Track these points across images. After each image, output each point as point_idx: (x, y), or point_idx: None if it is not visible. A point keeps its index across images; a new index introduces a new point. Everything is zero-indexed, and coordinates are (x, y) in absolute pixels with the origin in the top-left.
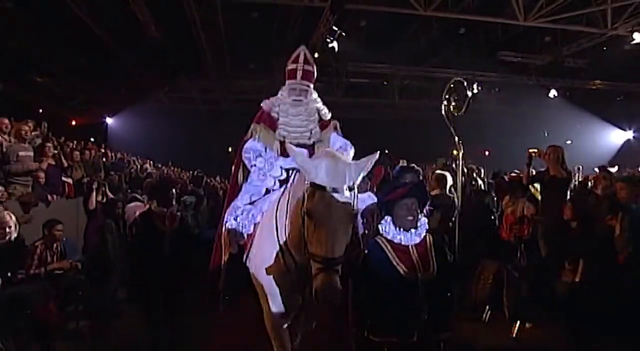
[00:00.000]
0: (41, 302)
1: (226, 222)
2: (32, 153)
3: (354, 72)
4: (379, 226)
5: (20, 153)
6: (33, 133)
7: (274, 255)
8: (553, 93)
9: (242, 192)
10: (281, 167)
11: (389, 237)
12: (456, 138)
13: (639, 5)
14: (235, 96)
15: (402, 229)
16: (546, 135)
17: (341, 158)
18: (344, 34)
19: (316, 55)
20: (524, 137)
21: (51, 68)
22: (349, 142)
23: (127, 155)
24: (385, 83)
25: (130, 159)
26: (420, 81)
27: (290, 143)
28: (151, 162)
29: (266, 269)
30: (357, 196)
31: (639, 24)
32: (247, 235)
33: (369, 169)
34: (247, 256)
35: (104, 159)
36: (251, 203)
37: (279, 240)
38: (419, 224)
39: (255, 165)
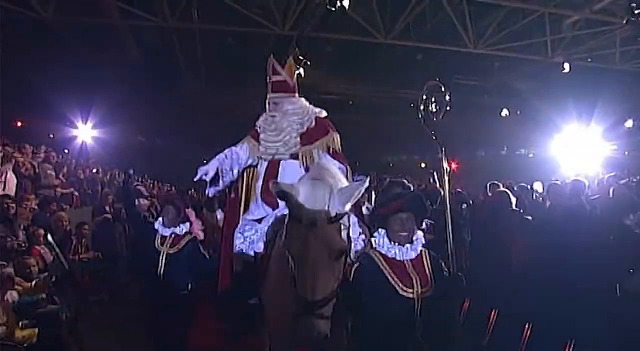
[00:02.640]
0: (81, 277)
1: (234, 238)
2: (54, 173)
3: (323, 92)
4: (372, 238)
5: (47, 172)
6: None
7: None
8: (505, 112)
9: (252, 207)
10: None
11: (382, 251)
12: (441, 148)
13: (573, 37)
14: (210, 111)
15: (396, 243)
16: (505, 149)
17: (324, 182)
18: (308, 62)
19: None
20: (486, 151)
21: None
22: (343, 167)
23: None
24: (350, 102)
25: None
26: (384, 100)
27: (268, 159)
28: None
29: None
30: (347, 226)
31: (572, 53)
32: (256, 253)
33: (358, 197)
34: (261, 282)
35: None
36: (259, 220)
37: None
38: (414, 238)
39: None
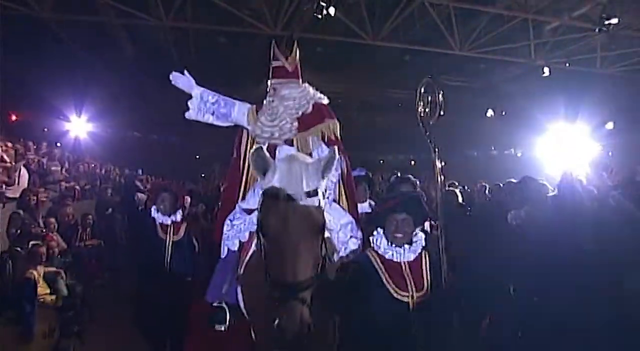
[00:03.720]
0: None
1: (224, 225)
2: (59, 168)
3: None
4: (370, 238)
5: (52, 168)
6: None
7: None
8: (490, 112)
9: (248, 196)
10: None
11: (379, 251)
12: (434, 148)
13: (555, 42)
14: None
15: (394, 244)
16: (493, 148)
17: (299, 158)
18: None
19: None
20: (474, 150)
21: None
22: (339, 158)
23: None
24: (339, 101)
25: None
26: (373, 98)
27: (262, 142)
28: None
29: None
30: (324, 201)
31: (554, 58)
32: (240, 242)
33: (333, 168)
34: (241, 270)
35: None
36: (251, 211)
37: None
38: (414, 240)
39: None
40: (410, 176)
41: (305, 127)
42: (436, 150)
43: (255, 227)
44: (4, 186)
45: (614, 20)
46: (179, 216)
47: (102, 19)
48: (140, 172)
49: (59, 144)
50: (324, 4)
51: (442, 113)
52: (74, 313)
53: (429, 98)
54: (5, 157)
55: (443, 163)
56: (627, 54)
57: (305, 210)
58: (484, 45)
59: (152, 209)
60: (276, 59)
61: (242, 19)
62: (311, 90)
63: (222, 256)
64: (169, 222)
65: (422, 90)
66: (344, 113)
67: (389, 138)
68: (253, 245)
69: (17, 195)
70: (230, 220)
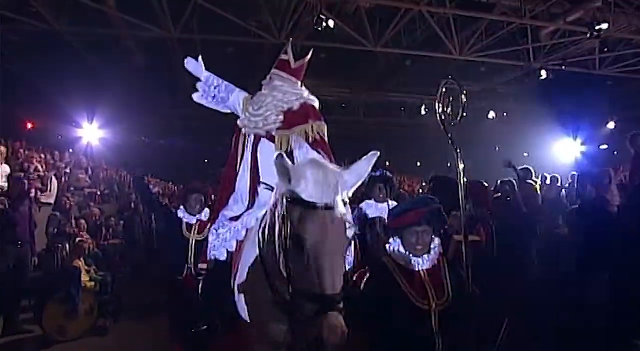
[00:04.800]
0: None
1: (209, 234)
2: (83, 175)
3: (316, 95)
4: (387, 246)
5: (79, 176)
6: None
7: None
8: (492, 114)
9: (231, 201)
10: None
11: (397, 260)
12: (456, 150)
13: (553, 44)
14: (210, 113)
15: (412, 253)
16: (497, 149)
17: (327, 165)
18: None
19: None
20: (477, 151)
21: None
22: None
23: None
24: (343, 105)
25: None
26: (375, 102)
27: (249, 131)
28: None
29: (238, 287)
30: (349, 211)
31: (552, 60)
32: (228, 252)
33: (365, 176)
34: (233, 280)
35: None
36: (237, 217)
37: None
38: (431, 247)
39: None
40: (386, 171)
41: (288, 126)
42: (458, 151)
43: (265, 235)
44: (39, 192)
45: (604, 25)
46: (203, 216)
47: (113, 32)
48: (149, 175)
49: (71, 150)
50: (323, 17)
51: (464, 114)
52: (108, 297)
53: (450, 99)
54: (39, 166)
55: (463, 165)
56: (626, 55)
57: (341, 219)
58: (483, 49)
59: (180, 210)
60: (285, 53)
61: (247, 29)
62: (305, 90)
63: (210, 267)
64: (193, 222)
65: (443, 91)
66: (350, 117)
67: (394, 141)
68: (251, 254)
69: (50, 201)
70: (216, 229)
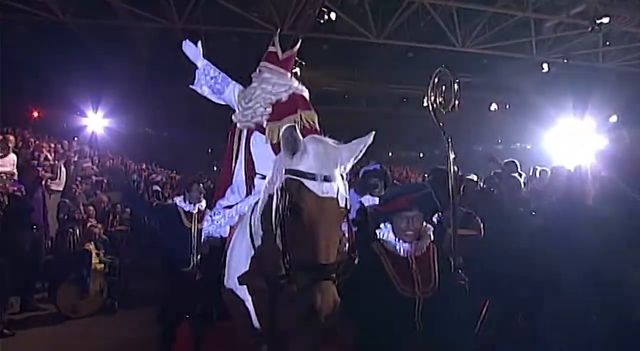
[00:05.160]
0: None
1: (204, 222)
2: (90, 164)
3: (320, 86)
4: (377, 231)
5: (84, 165)
6: None
7: (249, 261)
8: (494, 106)
9: (228, 191)
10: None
11: (387, 246)
12: (447, 139)
13: (557, 38)
14: (213, 104)
15: (402, 240)
16: (499, 141)
17: (327, 140)
18: (303, 63)
19: None
20: (479, 143)
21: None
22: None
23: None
24: (346, 96)
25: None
26: (378, 93)
27: (241, 126)
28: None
29: (239, 278)
30: (347, 188)
31: (555, 53)
32: (221, 237)
33: (361, 154)
34: (224, 267)
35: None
36: (232, 206)
37: (253, 244)
38: (422, 234)
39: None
40: (380, 165)
41: (277, 117)
42: (449, 140)
43: (264, 211)
44: (49, 180)
45: (605, 19)
46: (201, 205)
47: (119, 23)
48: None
49: (76, 138)
50: (325, 10)
51: (457, 102)
52: (116, 279)
53: (443, 89)
54: (49, 155)
55: (454, 156)
56: (629, 49)
57: (338, 191)
58: (486, 42)
59: (179, 199)
60: (273, 45)
61: (251, 20)
62: (294, 81)
63: (205, 252)
64: (194, 211)
65: (436, 81)
66: (353, 107)
67: (396, 132)
68: (241, 240)
69: (59, 188)
70: (211, 216)
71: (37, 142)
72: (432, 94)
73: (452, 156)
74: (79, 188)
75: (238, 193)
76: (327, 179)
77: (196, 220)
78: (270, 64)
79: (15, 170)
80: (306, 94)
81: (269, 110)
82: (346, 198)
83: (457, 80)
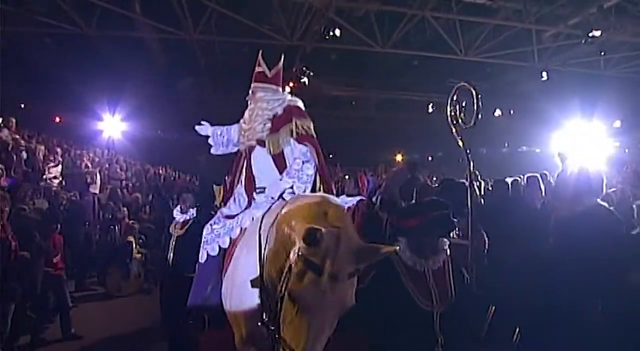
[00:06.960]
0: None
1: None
2: (119, 170)
3: (328, 93)
4: (394, 244)
5: (118, 171)
6: None
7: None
8: (498, 112)
9: (230, 201)
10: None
11: (403, 259)
12: (466, 152)
13: (557, 47)
14: (225, 111)
15: (417, 255)
16: (507, 145)
17: (349, 232)
18: (311, 73)
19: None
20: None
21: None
22: (308, 150)
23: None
24: (353, 103)
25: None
26: (384, 100)
27: (242, 148)
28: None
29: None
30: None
31: (556, 61)
32: (220, 247)
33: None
34: (223, 275)
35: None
36: (233, 216)
37: (262, 254)
38: (438, 248)
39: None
40: (463, 181)
41: (276, 129)
42: (468, 152)
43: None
44: (90, 186)
45: (597, 33)
46: (189, 214)
47: (138, 34)
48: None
49: (108, 150)
50: (330, 27)
51: (479, 117)
52: (151, 266)
53: (464, 104)
54: (88, 164)
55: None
56: (630, 56)
57: (344, 292)
58: (488, 51)
59: (176, 209)
60: (259, 65)
61: (262, 32)
62: (287, 95)
63: (201, 261)
64: (181, 220)
65: (455, 96)
66: (361, 112)
67: (403, 137)
68: (251, 256)
69: (96, 191)
70: (211, 225)
71: (78, 152)
72: (452, 109)
73: (471, 169)
74: (112, 191)
75: (239, 204)
76: (333, 276)
77: (178, 228)
78: (261, 83)
79: (60, 178)
80: (300, 104)
81: (269, 125)
82: (352, 294)
83: (480, 95)
